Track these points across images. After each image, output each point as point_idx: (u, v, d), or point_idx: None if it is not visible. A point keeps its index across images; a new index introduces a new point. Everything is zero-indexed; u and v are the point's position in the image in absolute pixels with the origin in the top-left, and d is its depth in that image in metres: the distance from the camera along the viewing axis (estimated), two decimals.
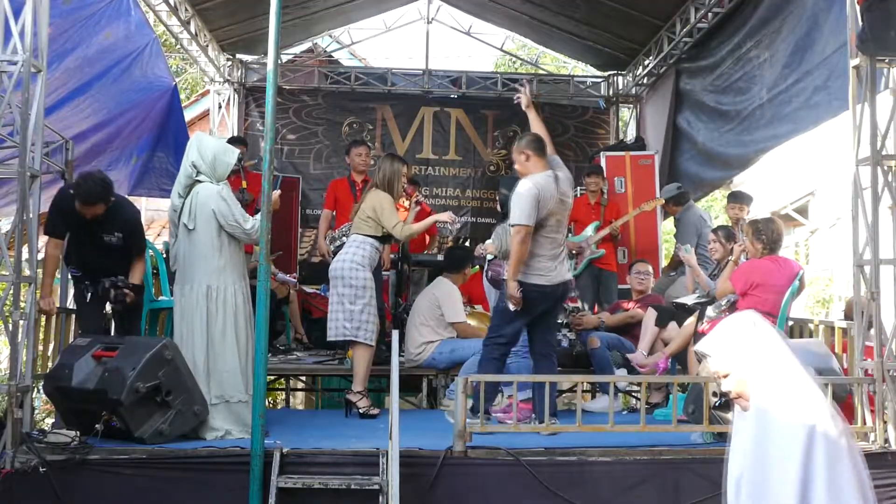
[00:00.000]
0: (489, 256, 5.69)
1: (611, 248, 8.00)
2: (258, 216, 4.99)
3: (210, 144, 5.09)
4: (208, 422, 4.82)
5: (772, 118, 7.19)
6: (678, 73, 9.00)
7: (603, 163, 8.96)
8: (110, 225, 5.22)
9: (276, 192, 5.36)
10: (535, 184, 5.04)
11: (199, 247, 4.93)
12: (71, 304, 6.20)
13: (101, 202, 5.03)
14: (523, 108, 5.62)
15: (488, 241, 6.06)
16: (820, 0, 6.17)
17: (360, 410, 5.66)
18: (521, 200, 5.03)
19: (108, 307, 5.67)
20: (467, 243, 9.98)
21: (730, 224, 7.24)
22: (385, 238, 5.77)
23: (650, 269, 6.98)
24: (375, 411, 5.68)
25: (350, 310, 5.59)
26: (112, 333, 5.72)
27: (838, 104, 6.12)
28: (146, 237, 5.89)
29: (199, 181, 4.98)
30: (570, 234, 8.03)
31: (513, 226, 5.07)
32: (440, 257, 7.28)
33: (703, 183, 8.83)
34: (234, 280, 4.97)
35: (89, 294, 5.30)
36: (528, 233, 5.02)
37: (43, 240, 5.39)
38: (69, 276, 5.70)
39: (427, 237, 7.91)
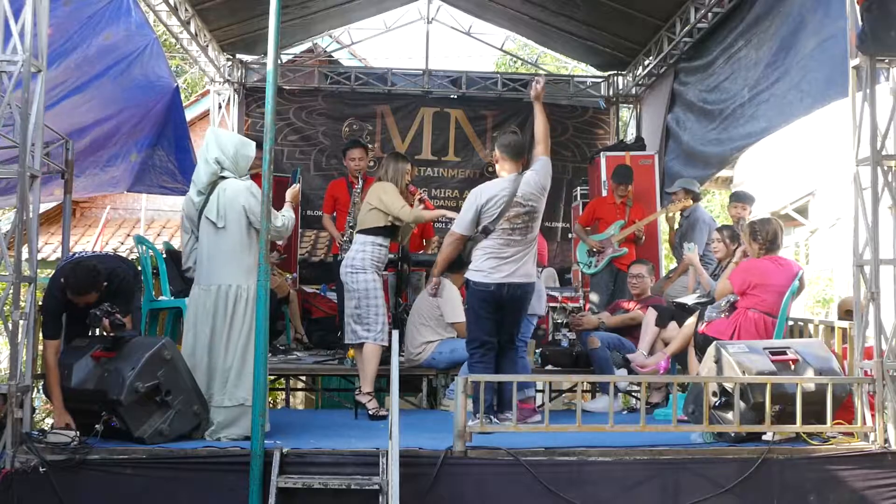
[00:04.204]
0: None
1: (633, 248, 7.99)
2: (284, 212, 5.02)
3: (229, 138, 5.04)
4: (229, 425, 4.76)
5: (750, 117, 7.23)
6: (676, 73, 9.01)
7: (603, 163, 8.96)
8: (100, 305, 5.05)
9: (296, 187, 5.38)
10: (480, 194, 5.25)
11: (228, 245, 4.82)
12: None
13: (93, 291, 4.89)
14: (533, 99, 5.60)
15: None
16: (808, 0, 6.18)
17: (370, 412, 5.63)
18: (463, 208, 5.35)
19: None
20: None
21: (732, 224, 7.24)
22: (391, 229, 5.74)
23: (644, 270, 6.96)
24: (384, 412, 5.55)
25: (356, 313, 5.63)
26: None
27: (810, 101, 6.16)
28: (137, 287, 5.70)
29: (224, 177, 4.92)
30: (591, 233, 8.07)
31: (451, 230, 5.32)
32: None
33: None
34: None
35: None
36: (458, 239, 5.30)
37: (43, 239, 5.38)
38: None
39: (424, 239, 7.91)
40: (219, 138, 5.02)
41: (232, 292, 4.79)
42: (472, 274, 5.24)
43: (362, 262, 5.64)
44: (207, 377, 4.83)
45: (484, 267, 5.19)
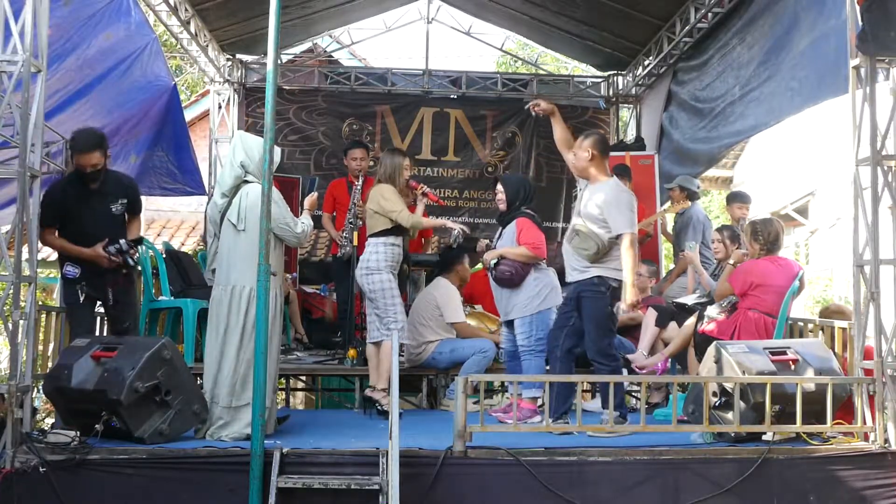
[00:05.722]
0: (493, 261, 5.68)
1: None
2: (303, 219, 5.06)
3: (255, 143, 5.01)
4: (233, 425, 4.77)
5: (740, 115, 7.25)
6: (675, 73, 9.02)
7: None
8: (113, 193, 5.46)
9: (314, 194, 5.38)
10: (628, 194, 5.20)
11: (246, 248, 4.80)
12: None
13: (98, 150, 5.18)
14: (544, 114, 5.68)
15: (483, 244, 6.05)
16: None
17: (384, 408, 5.61)
18: (623, 207, 5.11)
19: (98, 307, 5.68)
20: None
21: (732, 224, 7.24)
22: (401, 227, 5.75)
23: (645, 270, 6.95)
24: (400, 410, 5.60)
25: (376, 314, 5.69)
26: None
27: (801, 100, 6.17)
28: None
29: (248, 181, 4.92)
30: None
31: (621, 233, 5.06)
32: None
33: (672, 180, 8.79)
34: (275, 284, 4.84)
35: (83, 295, 5.35)
36: (636, 238, 5.12)
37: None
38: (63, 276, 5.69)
39: (423, 239, 7.91)
40: (245, 142, 5.02)
41: (245, 293, 4.80)
42: (620, 274, 5.13)
43: (376, 262, 5.67)
44: (213, 376, 4.84)
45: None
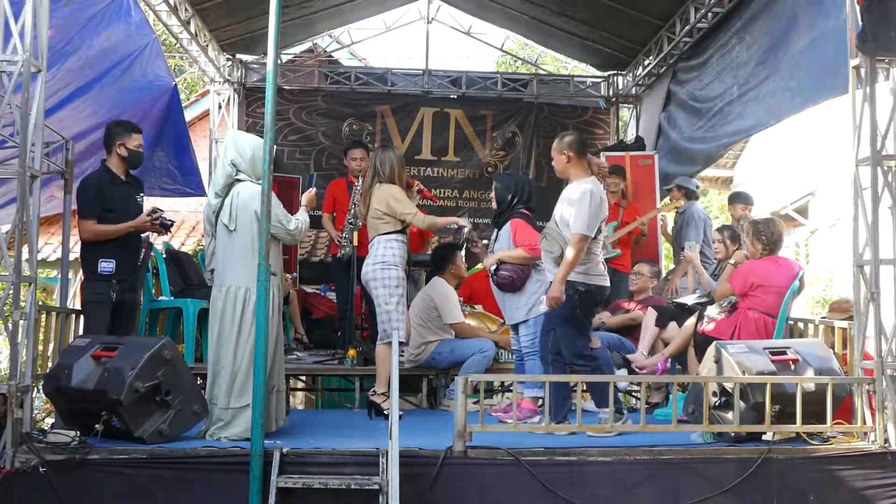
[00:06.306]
0: (493, 267, 5.67)
1: (627, 249, 7.97)
2: (299, 216, 5.03)
3: (247, 141, 4.99)
4: (232, 426, 4.76)
5: (738, 115, 7.25)
6: (675, 72, 9.03)
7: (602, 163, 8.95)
8: (136, 186, 5.84)
9: (312, 191, 5.37)
10: (594, 191, 5.11)
11: (239, 248, 4.80)
12: (70, 303, 6.20)
13: (140, 132, 5.76)
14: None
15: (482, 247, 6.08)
16: None
17: (386, 412, 5.58)
18: (584, 208, 5.05)
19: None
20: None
21: (732, 224, 7.24)
22: (406, 227, 5.74)
23: (646, 269, 6.97)
24: (400, 413, 5.56)
25: (387, 310, 5.61)
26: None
27: (800, 100, 6.17)
28: None
29: (240, 180, 4.90)
30: None
31: (574, 233, 5.04)
32: None
33: (668, 179, 8.80)
34: (273, 283, 4.78)
35: (114, 294, 5.45)
36: (588, 242, 5.06)
37: (43, 239, 5.44)
38: (77, 276, 5.72)
39: (423, 238, 7.91)
40: (237, 141, 5.00)
41: (241, 294, 4.78)
42: (595, 279, 5.13)
43: (392, 258, 5.62)
44: (212, 377, 4.83)
45: (602, 271, 5.19)
